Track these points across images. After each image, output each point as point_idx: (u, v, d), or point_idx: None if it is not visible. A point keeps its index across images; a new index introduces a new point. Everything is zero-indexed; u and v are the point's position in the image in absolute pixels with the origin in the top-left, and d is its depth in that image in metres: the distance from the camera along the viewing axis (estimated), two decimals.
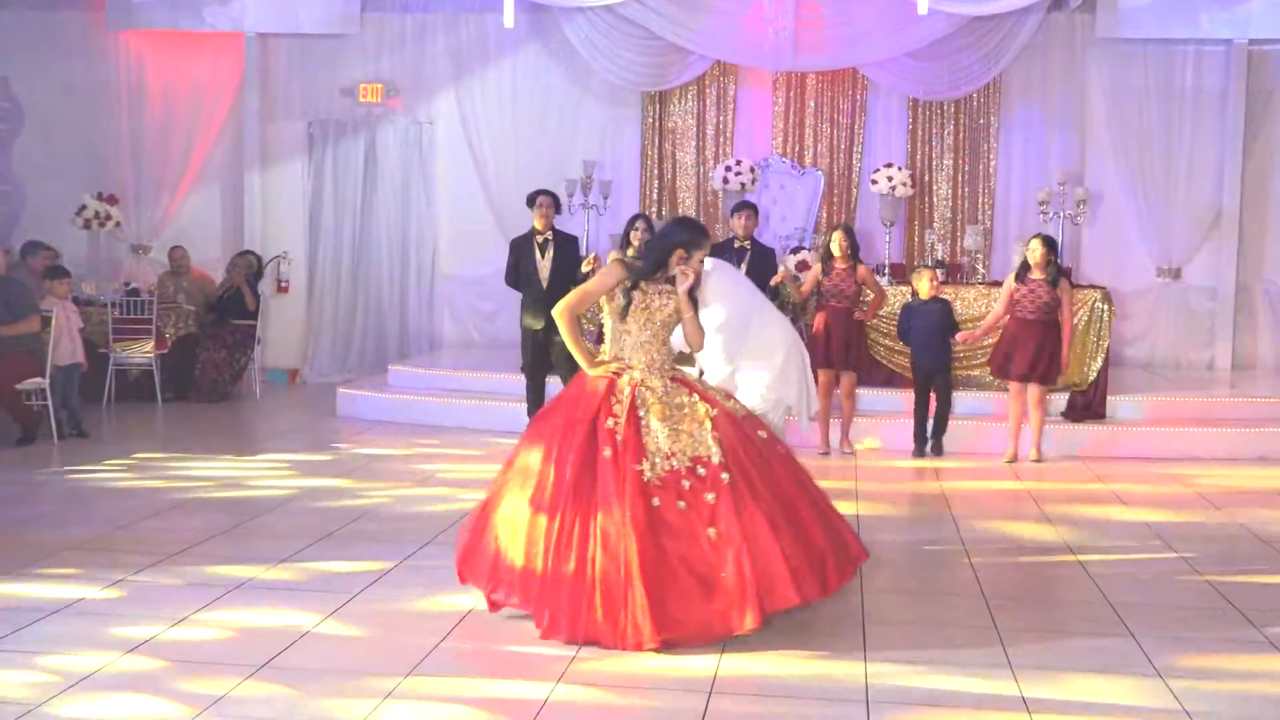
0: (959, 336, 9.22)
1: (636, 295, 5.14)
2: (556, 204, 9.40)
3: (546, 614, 4.81)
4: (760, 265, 9.18)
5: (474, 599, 5.26)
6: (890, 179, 11.47)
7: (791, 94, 12.48)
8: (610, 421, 4.95)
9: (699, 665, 4.64)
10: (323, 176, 12.86)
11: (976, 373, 9.90)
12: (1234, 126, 11.82)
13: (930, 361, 9.28)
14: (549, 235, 9.19)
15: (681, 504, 4.82)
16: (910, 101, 12.37)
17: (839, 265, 9.28)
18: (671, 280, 5.19)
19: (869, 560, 5.76)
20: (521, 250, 9.25)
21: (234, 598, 5.38)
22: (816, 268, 9.45)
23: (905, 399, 9.66)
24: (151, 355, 11.06)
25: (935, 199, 12.40)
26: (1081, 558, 6.33)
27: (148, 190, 12.93)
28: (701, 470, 4.89)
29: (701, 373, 6.09)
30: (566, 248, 9.27)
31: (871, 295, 9.49)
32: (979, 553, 6.39)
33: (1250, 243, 12.05)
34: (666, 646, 4.68)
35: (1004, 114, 12.29)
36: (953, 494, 8.03)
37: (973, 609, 5.43)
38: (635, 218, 9.47)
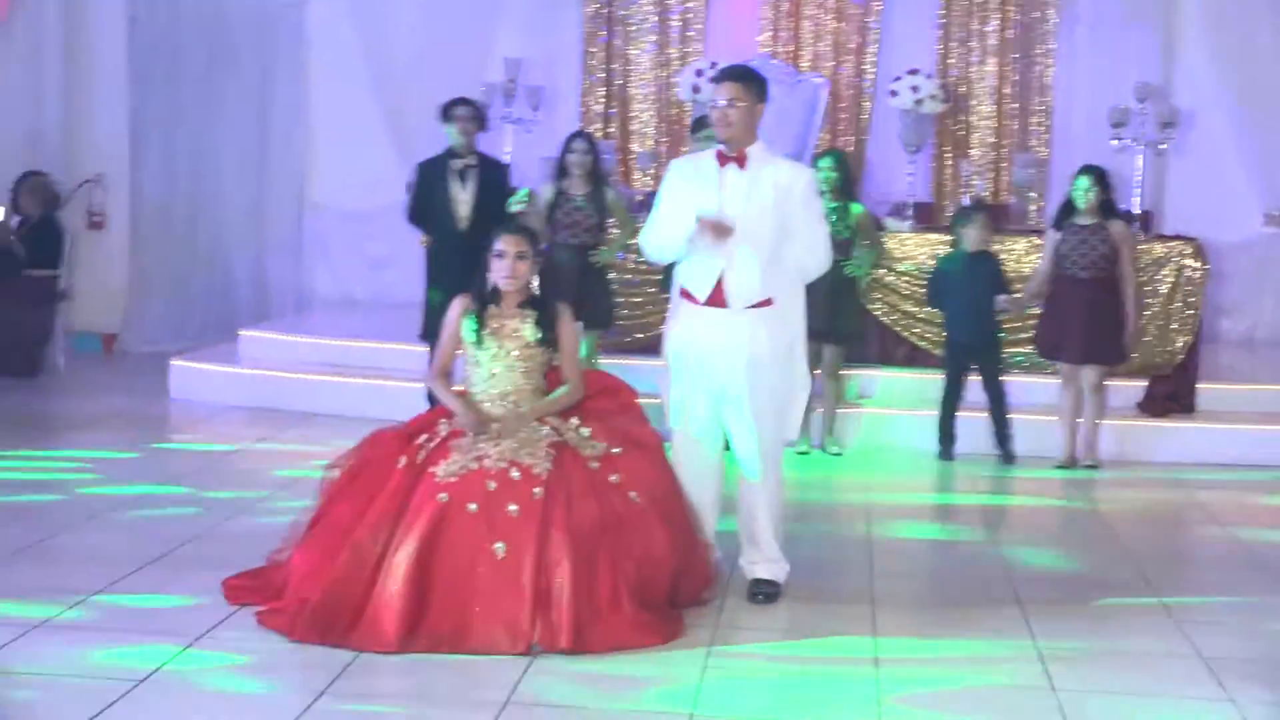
0: (1000, 301, 9.13)
1: (484, 320, 5.86)
2: (480, 118, 9.32)
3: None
4: None
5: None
6: (915, 90, 11.45)
7: None
8: (423, 438, 5.74)
9: None
10: (151, 73, 12.72)
11: (1021, 353, 9.89)
12: None
13: (970, 336, 9.26)
14: (471, 160, 9.13)
15: (473, 506, 5.41)
16: None
17: (827, 204, 9.24)
18: (532, 301, 5.89)
19: (882, 605, 5.85)
20: (433, 178, 9.16)
21: (24, 646, 5.27)
22: None
23: (936, 384, 9.69)
24: None
25: (974, 118, 12.41)
26: (1165, 599, 6.36)
27: None
28: (515, 474, 5.49)
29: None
30: (493, 178, 9.19)
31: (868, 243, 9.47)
32: (1029, 595, 6.40)
33: None
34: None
35: (1066, 5, 12.31)
36: (991, 512, 8.06)
37: (1025, 672, 5.44)
38: (573, 137, 9.42)
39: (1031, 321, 9.66)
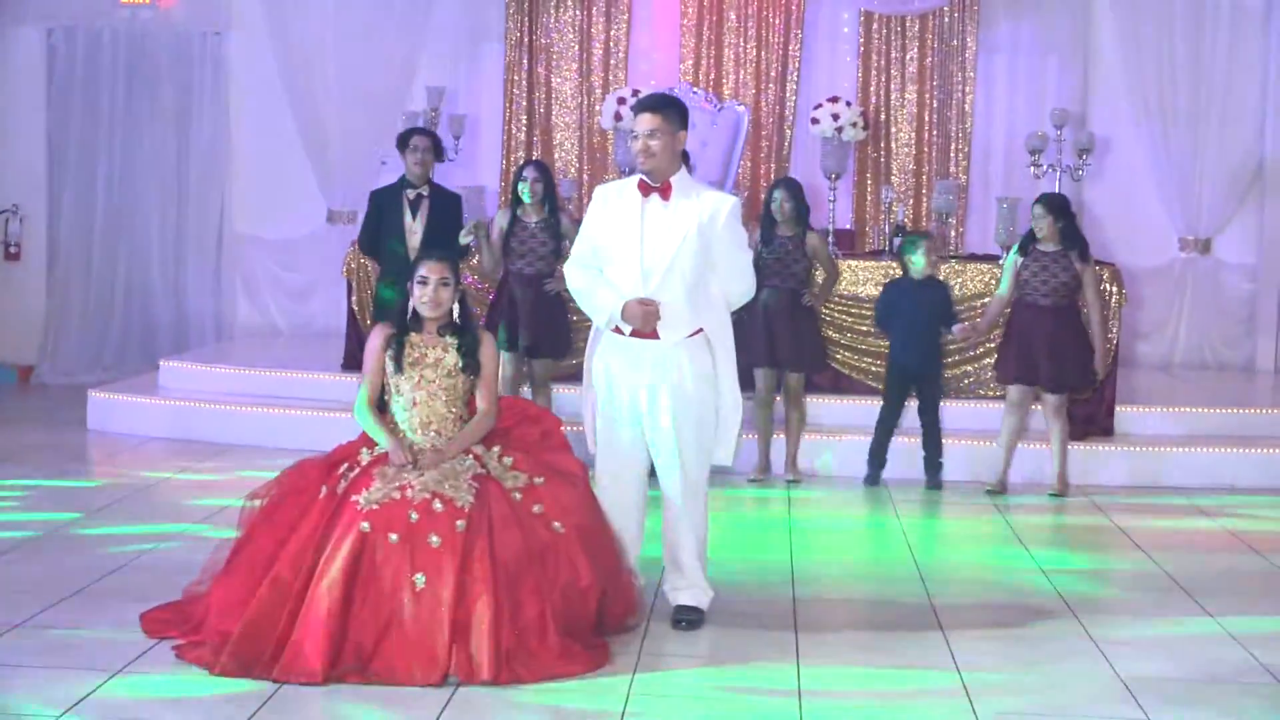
0: (956, 330, 9.22)
1: (406, 348, 5.86)
2: (437, 148, 9.39)
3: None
4: None
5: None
6: (836, 118, 11.53)
7: (706, 2, 12.50)
8: (344, 467, 5.75)
9: None
10: (68, 104, 12.65)
11: (964, 374, 10.01)
12: None
13: (916, 362, 9.29)
14: (424, 190, 9.18)
15: (394, 536, 5.39)
16: (863, 15, 12.47)
17: (782, 233, 9.30)
18: (452, 327, 5.89)
19: (805, 631, 5.91)
20: (386, 206, 9.23)
21: None
22: (752, 236, 9.44)
23: (861, 410, 9.78)
24: None
25: (894, 146, 12.51)
26: (1085, 621, 6.43)
27: None
28: (438, 506, 5.48)
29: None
30: (446, 209, 9.24)
31: (823, 273, 9.53)
32: (951, 620, 6.45)
33: None
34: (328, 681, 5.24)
35: (984, 34, 12.45)
36: (915, 537, 8.13)
37: (946, 695, 5.48)
38: (525, 166, 9.36)
39: (984, 348, 9.80)
